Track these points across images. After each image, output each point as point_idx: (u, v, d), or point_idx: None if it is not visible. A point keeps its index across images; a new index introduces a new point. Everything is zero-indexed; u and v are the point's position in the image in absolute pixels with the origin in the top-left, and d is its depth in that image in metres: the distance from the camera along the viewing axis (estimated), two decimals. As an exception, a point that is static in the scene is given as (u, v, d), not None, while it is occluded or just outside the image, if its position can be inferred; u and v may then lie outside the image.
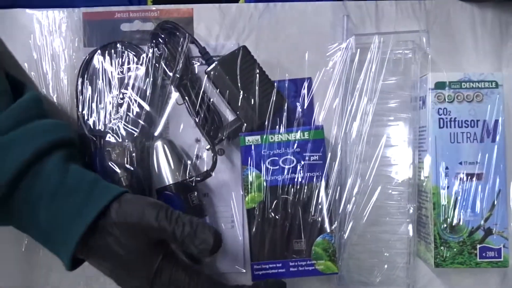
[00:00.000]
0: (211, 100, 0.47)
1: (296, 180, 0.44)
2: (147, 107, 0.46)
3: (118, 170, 0.44)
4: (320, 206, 0.44)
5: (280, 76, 0.48)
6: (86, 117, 0.45)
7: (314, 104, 0.48)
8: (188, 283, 0.37)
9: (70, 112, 0.48)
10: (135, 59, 0.46)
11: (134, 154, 0.45)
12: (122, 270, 0.37)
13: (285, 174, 0.44)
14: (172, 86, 0.46)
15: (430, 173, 0.45)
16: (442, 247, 0.44)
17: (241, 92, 0.45)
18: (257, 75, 0.45)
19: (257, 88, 0.45)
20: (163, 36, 0.46)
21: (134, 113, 0.45)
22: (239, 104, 0.45)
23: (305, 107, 0.48)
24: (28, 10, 0.48)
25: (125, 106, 0.45)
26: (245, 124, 0.45)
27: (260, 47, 0.48)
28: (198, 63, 0.48)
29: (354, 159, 0.46)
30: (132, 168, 0.44)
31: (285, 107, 0.46)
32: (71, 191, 0.37)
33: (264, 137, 0.45)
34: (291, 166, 0.44)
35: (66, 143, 0.40)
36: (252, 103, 0.45)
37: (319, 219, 0.44)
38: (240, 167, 0.47)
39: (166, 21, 0.47)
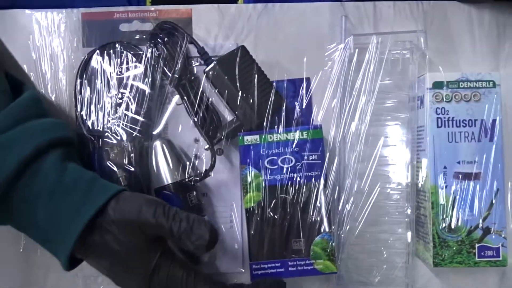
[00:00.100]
0: (210, 100, 0.47)
1: (295, 179, 0.44)
2: (146, 107, 0.46)
3: (116, 170, 0.44)
4: (319, 206, 0.44)
5: (279, 76, 0.48)
6: (84, 117, 0.45)
7: (313, 104, 0.48)
8: (186, 280, 0.37)
9: (69, 112, 0.48)
10: (134, 59, 0.46)
11: (132, 154, 0.45)
12: (120, 268, 0.37)
13: (284, 173, 0.44)
14: (171, 86, 0.46)
15: (428, 172, 0.45)
16: (440, 247, 0.44)
17: (240, 92, 0.45)
18: (256, 75, 0.46)
19: (255, 88, 0.45)
20: (162, 36, 0.46)
21: (133, 113, 0.45)
22: (238, 104, 0.45)
23: (303, 107, 0.48)
24: (27, 11, 0.48)
25: (123, 106, 0.45)
26: (244, 124, 0.45)
27: (259, 47, 0.48)
28: (197, 63, 0.48)
29: (353, 159, 0.46)
30: (130, 168, 0.44)
31: (284, 107, 0.46)
32: (69, 190, 0.37)
33: (263, 136, 0.45)
34: (290, 165, 0.44)
35: (65, 142, 0.40)
36: (251, 103, 0.45)
37: (318, 218, 0.44)
38: (239, 166, 0.47)
39: (165, 22, 0.47)
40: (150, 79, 0.46)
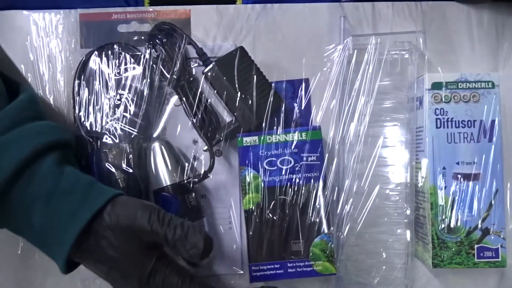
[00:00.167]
0: (209, 101, 0.47)
1: (294, 180, 0.44)
2: (144, 109, 0.45)
3: (115, 172, 0.44)
4: (318, 207, 0.44)
5: (278, 77, 0.48)
6: (82, 119, 0.45)
7: (312, 105, 0.48)
8: (181, 285, 0.37)
9: (67, 114, 0.47)
10: (132, 61, 0.46)
11: (131, 156, 0.44)
12: (116, 273, 0.37)
13: (283, 174, 0.44)
14: (169, 87, 0.46)
15: (427, 173, 0.45)
16: (439, 248, 0.44)
17: (239, 93, 0.45)
18: (255, 76, 0.45)
19: (254, 89, 0.45)
20: (160, 37, 0.46)
21: (131, 114, 0.45)
22: (237, 105, 0.45)
23: (302, 108, 0.48)
24: (25, 11, 0.48)
25: (122, 107, 0.45)
26: (242, 125, 0.45)
27: (258, 48, 0.48)
28: (196, 64, 0.48)
29: (352, 160, 0.46)
30: (129, 170, 0.44)
31: (283, 108, 0.46)
32: (65, 194, 0.36)
33: (262, 138, 0.45)
34: (289, 166, 0.44)
35: (61, 145, 0.39)
36: (250, 104, 0.45)
37: (317, 219, 0.43)
38: (237, 168, 0.46)
39: (163, 22, 0.47)
40: (148, 80, 0.46)
